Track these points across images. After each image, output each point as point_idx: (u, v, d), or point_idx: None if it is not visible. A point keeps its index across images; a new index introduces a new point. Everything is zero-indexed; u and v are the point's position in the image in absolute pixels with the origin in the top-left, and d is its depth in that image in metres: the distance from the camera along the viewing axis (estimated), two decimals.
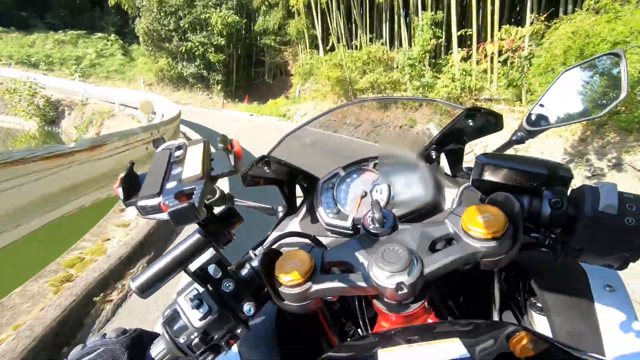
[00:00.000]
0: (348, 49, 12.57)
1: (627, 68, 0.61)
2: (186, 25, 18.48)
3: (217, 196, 0.59)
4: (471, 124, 0.65)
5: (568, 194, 0.43)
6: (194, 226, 0.44)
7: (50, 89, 15.15)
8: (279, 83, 20.32)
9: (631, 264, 0.41)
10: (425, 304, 0.42)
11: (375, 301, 0.43)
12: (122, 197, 0.41)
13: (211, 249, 0.45)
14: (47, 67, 22.24)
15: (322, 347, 0.53)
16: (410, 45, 10.31)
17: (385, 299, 0.41)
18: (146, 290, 0.43)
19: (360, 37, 12.93)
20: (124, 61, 22.97)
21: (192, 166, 0.43)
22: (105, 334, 0.43)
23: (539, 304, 0.53)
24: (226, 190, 0.58)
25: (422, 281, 0.37)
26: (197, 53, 18.74)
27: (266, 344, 0.59)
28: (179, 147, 0.47)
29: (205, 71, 19.71)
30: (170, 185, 0.40)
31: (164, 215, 0.37)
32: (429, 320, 0.41)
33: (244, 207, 0.73)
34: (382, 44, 11.73)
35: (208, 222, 0.45)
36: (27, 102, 11.07)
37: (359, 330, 0.53)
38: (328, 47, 14.11)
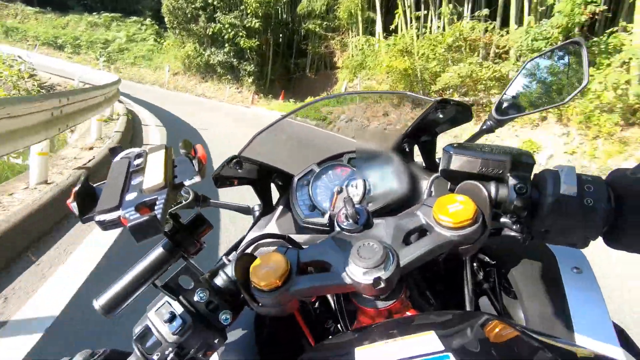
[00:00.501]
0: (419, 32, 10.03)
1: (587, 56, 0.67)
2: (215, 2, 17.23)
3: (190, 198, 0.61)
4: (441, 115, 0.70)
5: (531, 179, 0.47)
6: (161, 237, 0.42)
7: (51, 71, 15.25)
8: (322, 78, 18.51)
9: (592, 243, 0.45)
10: (403, 297, 0.46)
11: (353, 298, 0.46)
12: (76, 212, 0.40)
13: (181, 259, 0.45)
14: (73, 50, 22.65)
15: (303, 348, 0.56)
16: (519, 22, 7.63)
17: (363, 295, 0.43)
18: (111, 309, 0.43)
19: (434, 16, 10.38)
20: (153, 47, 23.18)
21: (153, 175, 0.42)
22: (71, 358, 0.43)
23: (512, 289, 0.59)
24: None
25: (399, 274, 0.40)
26: (226, 37, 17.41)
27: (246, 350, 0.60)
28: (138, 155, 0.45)
29: (235, 59, 18.26)
30: (131, 196, 0.39)
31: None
32: (408, 313, 0.45)
33: (219, 207, 0.77)
34: (479, 21, 8.76)
35: (175, 232, 0.46)
36: (12, 85, 10.09)
37: (339, 326, 0.57)
38: (385, 35, 12.36)
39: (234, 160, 0.70)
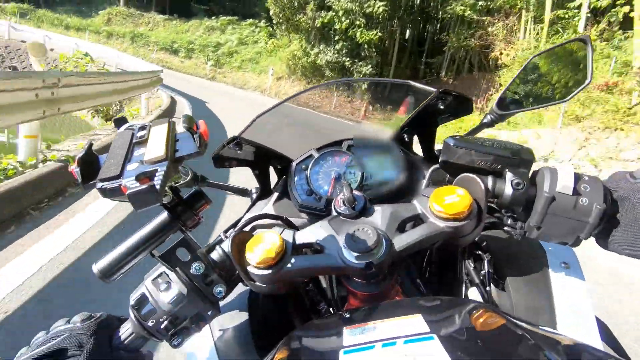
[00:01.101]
0: None
1: (592, 54, 0.74)
2: None
3: (189, 177, 0.65)
4: (442, 106, 0.78)
5: (529, 175, 0.53)
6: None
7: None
8: (467, 83, 14.00)
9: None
10: (394, 283, 0.52)
11: (345, 281, 0.52)
12: (79, 178, 0.44)
13: (179, 232, 0.51)
14: (186, 54, 23.78)
15: (294, 326, 0.63)
16: None
17: (355, 279, 0.50)
18: (109, 274, 0.49)
19: None
20: (262, 49, 23.09)
21: (155, 147, 0.44)
22: (69, 319, 0.48)
23: (501, 281, 0.67)
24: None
25: (390, 260, 0.46)
26: (338, 28, 14.35)
27: (238, 325, 0.66)
28: (142, 128, 0.49)
29: (347, 59, 14.89)
30: (132, 166, 0.43)
31: (125, 198, 0.40)
32: (397, 299, 0.51)
33: (217, 188, 0.85)
34: None
35: (175, 205, 0.51)
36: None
37: (331, 309, 0.65)
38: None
39: (234, 142, 0.76)
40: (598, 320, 0.61)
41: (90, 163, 0.44)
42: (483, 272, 0.68)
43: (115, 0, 28.25)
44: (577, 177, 0.50)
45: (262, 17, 25.45)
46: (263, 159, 0.83)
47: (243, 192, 0.89)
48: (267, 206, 0.81)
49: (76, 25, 25.07)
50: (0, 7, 25.01)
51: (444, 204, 0.46)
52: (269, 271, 0.46)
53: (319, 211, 0.72)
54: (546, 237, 0.52)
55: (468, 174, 0.52)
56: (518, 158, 0.52)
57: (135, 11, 27.55)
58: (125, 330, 0.49)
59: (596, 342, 0.57)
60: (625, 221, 0.47)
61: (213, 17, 26.75)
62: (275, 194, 0.82)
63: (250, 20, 26.03)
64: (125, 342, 0.48)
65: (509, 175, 0.51)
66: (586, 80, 0.71)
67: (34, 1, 25.96)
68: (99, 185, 0.41)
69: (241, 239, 0.49)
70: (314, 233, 0.51)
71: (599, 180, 0.50)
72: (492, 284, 0.67)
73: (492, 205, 0.54)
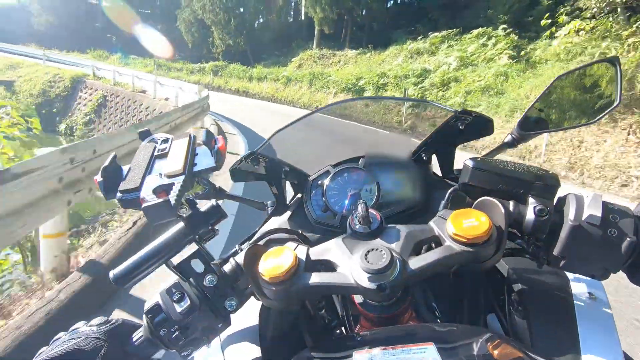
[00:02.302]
0: None
1: (621, 75, 0.70)
2: None
3: (207, 190, 0.66)
4: (461, 127, 0.76)
5: (554, 202, 0.51)
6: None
7: None
8: None
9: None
10: (408, 306, 0.50)
11: (357, 301, 0.52)
12: (102, 189, 0.46)
13: (194, 243, 0.53)
14: (376, 91, 16.28)
15: (304, 345, 0.60)
16: None
17: (367, 300, 0.49)
18: (125, 281, 0.50)
19: None
20: (509, 67, 12.23)
21: (174, 161, 0.47)
22: (88, 322, 0.51)
23: (521, 309, 0.63)
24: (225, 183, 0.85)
25: (404, 283, 0.45)
26: None
27: (248, 339, 0.67)
28: (164, 141, 0.51)
29: None
30: (151, 179, 0.45)
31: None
32: (410, 322, 0.51)
33: (234, 200, 0.84)
34: None
35: (191, 217, 0.52)
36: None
37: (343, 329, 0.64)
38: None
39: (252, 156, 0.77)
40: (627, 357, 0.58)
41: (113, 174, 0.47)
42: (503, 299, 0.66)
43: (310, 45, 25.68)
44: (606, 206, 0.47)
45: (498, 23, 15.68)
46: (280, 174, 0.83)
47: (259, 206, 0.89)
48: (282, 221, 0.81)
49: (258, 75, 22.28)
50: (200, 67, 27.22)
51: (463, 227, 0.45)
52: (281, 286, 0.46)
53: (333, 228, 0.72)
54: (571, 268, 0.50)
55: (488, 198, 0.50)
56: (542, 183, 0.50)
57: (327, 51, 23.68)
58: (139, 337, 0.50)
59: None
60: None
61: (420, 38, 18.00)
62: (291, 209, 0.83)
63: (478, 30, 16.26)
64: (138, 348, 0.49)
65: (531, 201, 0.50)
66: (615, 101, 0.68)
67: (241, 58, 26.45)
68: (119, 196, 0.45)
69: (255, 252, 0.50)
70: (328, 250, 0.50)
71: (630, 210, 0.48)
72: (512, 312, 0.64)
73: (513, 230, 0.53)
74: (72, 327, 0.50)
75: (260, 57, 26.71)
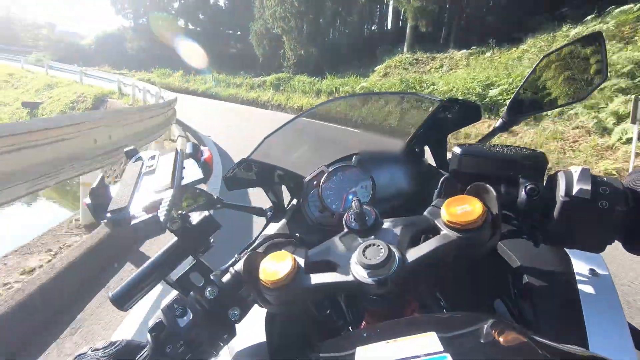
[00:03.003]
0: None
1: (606, 51, 0.70)
2: None
3: (203, 201, 0.66)
4: (450, 115, 0.78)
5: (544, 180, 0.51)
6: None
7: None
8: None
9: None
10: (411, 298, 0.50)
11: (360, 297, 0.50)
12: (92, 211, 0.46)
13: (191, 257, 0.53)
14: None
15: (312, 347, 0.61)
16: None
17: (369, 295, 0.48)
18: (125, 302, 0.50)
19: None
20: None
21: (162, 176, 0.46)
22: (92, 347, 0.50)
23: (526, 292, 0.63)
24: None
25: (404, 275, 0.45)
26: None
27: (256, 346, 0.66)
28: (151, 158, 0.51)
29: None
30: (139, 196, 0.44)
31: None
32: (415, 314, 0.50)
33: (232, 209, 0.81)
34: None
35: (184, 231, 0.52)
36: None
37: (350, 328, 0.62)
38: None
39: (244, 164, 0.78)
40: (632, 329, 0.58)
41: (102, 195, 0.46)
42: (506, 282, 0.66)
43: (399, 50, 20.32)
44: (595, 179, 0.47)
45: None
46: (274, 179, 0.83)
47: (259, 212, 0.86)
48: (280, 225, 0.81)
49: (328, 88, 18.20)
50: (261, 80, 22.49)
51: (457, 214, 0.45)
52: (282, 291, 0.46)
53: (332, 227, 0.69)
54: (567, 244, 0.51)
55: (479, 183, 0.50)
56: (530, 163, 0.50)
57: (423, 55, 18.05)
58: (145, 357, 0.49)
59: (631, 354, 0.54)
60: None
61: (590, 18, 11.60)
62: (290, 212, 0.83)
63: None
64: None
65: (522, 181, 0.50)
66: (602, 76, 0.68)
67: (314, 71, 22.12)
68: (108, 216, 0.43)
69: (254, 259, 0.50)
70: (326, 250, 0.51)
71: (619, 182, 0.48)
72: (516, 296, 0.64)
73: (508, 213, 0.53)
74: (77, 353, 0.49)
75: (337, 69, 22.09)
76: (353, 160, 0.80)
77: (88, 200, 0.45)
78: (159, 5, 36.41)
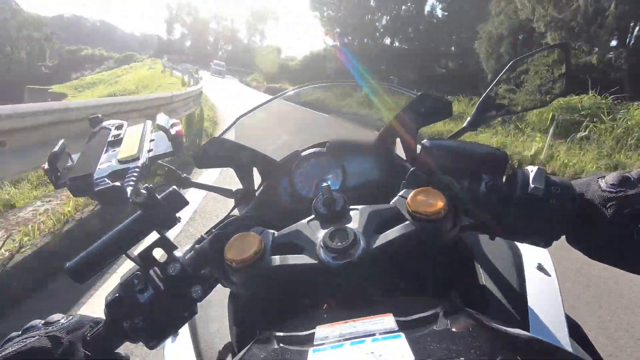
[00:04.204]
0: None
1: (570, 61, 0.73)
2: None
3: (172, 177, 0.65)
4: (423, 109, 0.78)
5: (503, 177, 0.54)
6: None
7: None
8: None
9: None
10: (372, 282, 0.51)
11: (323, 281, 0.50)
12: (50, 176, 0.44)
13: (155, 232, 0.51)
14: None
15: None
16: None
17: (333, 278, 0.49)
18: (80, 275, 0.47)
19: None
20: None
21: (129, 146, 0.45)
22: (42, 321, 0.47)
23: (478, 281, 0.68)
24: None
25: (368, 260, 0.46)
26: None
27: (217, 326, 0.67)
28: (118, 127, 0.50)
29: None
30: (104, 165, 0.43)
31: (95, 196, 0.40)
32: (374, 299, 0.51)
33: (201, 189, 0.82)
34: None
35: (149, 204, 0.50)
36: None
37: (311, 310, 0.63)
38: None
39: (216, 142, 0.77)
40: (569, 319, 0.62)
41: (62, 161, 0.45)
42: (460, 271, 0.69)
43: None
44: (549, 180, 0.50)
45: None
46: (246, 160, 0.82)
47: (227, 193, 0.87)
48: (249, 208, 0.81)
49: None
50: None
51: (421, 204, 0.47)
52: (247, 271, 0.47)
53: (301, 212, 0.67)
54: (519, 238, 0.53)
55: (444, 176, 0.52)
56: (492, 160, 0.52)
57: None
58: (100, 332, 0.47)
59: (565, 340, 0.57)
60: (592, 224, 0.47)
61: None
62: (259, 195, 0.82)
63: None
64: (100, 343, 0.47)
65: (484, 177, 0.52)
66: (564, 85, 0.71)
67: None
68: (69, 184, 0.42)
69: (220, 239, 0.51)
70: (293, 234, 0.51)
71: (569, 183, 0.50)
72: (469, 284, 0.68)
73: (468, 206, 0.54)
74: (26, 326, 0.46)
75: None
76: (326, 147, 0.81)
77: (46, 165, 0.44)
78: (367, 24, 29.61)
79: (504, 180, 0.52)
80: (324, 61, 29.26)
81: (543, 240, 0.51)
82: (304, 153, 0.81)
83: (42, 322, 0.47)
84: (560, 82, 0.74)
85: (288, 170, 0.79)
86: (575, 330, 0.62)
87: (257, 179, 0.88)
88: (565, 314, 0.62)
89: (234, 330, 0.65)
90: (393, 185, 0.69)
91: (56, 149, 0.44)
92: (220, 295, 0.65)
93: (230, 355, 0.65)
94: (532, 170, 0.50)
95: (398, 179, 0.69)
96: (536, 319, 0.59)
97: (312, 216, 0.53)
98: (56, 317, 0.47)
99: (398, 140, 0.85)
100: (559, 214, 0.48)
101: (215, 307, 0.68)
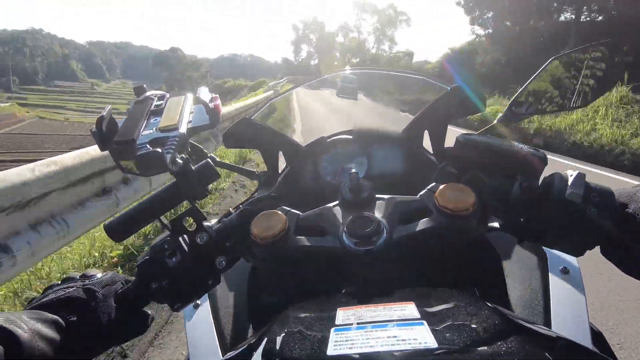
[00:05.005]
0: None
1: (614, 60, 0.70)
2: None
3: (197, 155, 0.67)
4: (454, 103, 0.77)
5: (540, 180, 0.51)
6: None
7: None
8: None
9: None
10: (393, 271, 0.51)
11: (344, 265, 0.51)
12: (97, 139, 0.47)
13: (186, 202, 0.53)
14: None
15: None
16: None
17: (354, 264, 0.49)
18: (118, 233, 0.51)
19: None
20: None
21: (169, 116, 0.48)
22: (80, 274, 0.51)
23: (501, 281, 0.68)
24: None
25: (390, 249, 0.46)
26: None
27: (236, 298, 0.68)
28: (160, 97, 0.53)
29: None
30: (146, 132, 0.46)
31: (135, 163, 0.42)
32: (395, 288, 0.51)
33: (225, 168, 0.82)
34: None
35: (184, 174, 0.51)
36: None
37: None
38: None
39: (245, 123, 0.78)
40: (593, 328, 0.60)
41: (108, 126, 0.47)
42: (483, 269, 0.68)
43: None
44: (589, 185, 0.47)
45: None
46: (272, 143, 0.83)
47: (251, 174, 0.87)
48: (274, 189, 0.82)
49: None
50: None
51: (449, 199, 0.46)
52: (271, 248, 0.48)
53: (323, 197, 0.70)
54: (549, 243, 0.51)
55: (476, 173, 0.51)
56: (529, 161, 0.49)
57: None
58: (130, 290, 0.50)
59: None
60: (631, 238, 0.45)
61: None
62: (283, 178, 0.83)
63: None
64: (129, 300, 0.50)
65: (518, 177, 0.50)
66: (609, 85, 0.68)
67: None
68: (114, 147, 0.45)
69: (247, 214, 0.52)
70: (318, 217, 0.52)
71: (611, 191, 0.47)
72: (492, 282, 0.67)
73: (498, 205, 0.52)
74: (65, 277, 0.50)
75: None
76: (353, 134, 0.81)
77: (94, 129, 0.46)
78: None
79: (539, 182, 0.50)
80: (470, 56, 22.95)
81: (575, 249, 0.49)
82: (330, 139, 0.81)
83: (80, 274, 0.50)
84: (602, 81, 0.70)
85: (313, 156, 0.80)
86: (597, 338, 0.60)
87: (281, 162, 0.89)
88: (590, 324, 0.60)
89: (252, 305, 0.66)
90: (417, 177, 0.70)
91: (104, 113, 0.46)
92: (241, 271, 0.68)
93: (249, 329, 0.66)
94: (571, 174, 0.47)
95: (423, 172, 0.69)
96: (558, 323, 0.58)
97: (337, 201, 0.54)
98: (92, 271, 0.51)
99: (426, 132, 0.84)
100: (595, 224, 0.45)
101: (236, 283, 0.69)
